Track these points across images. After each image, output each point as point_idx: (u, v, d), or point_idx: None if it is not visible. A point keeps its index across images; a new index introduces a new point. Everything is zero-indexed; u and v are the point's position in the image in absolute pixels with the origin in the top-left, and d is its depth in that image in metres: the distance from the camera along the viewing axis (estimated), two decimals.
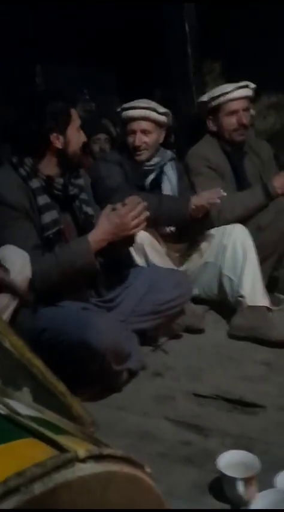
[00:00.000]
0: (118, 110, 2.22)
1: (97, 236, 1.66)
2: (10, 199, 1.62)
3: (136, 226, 1.68)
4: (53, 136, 1.66)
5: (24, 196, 1.64)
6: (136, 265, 2.02)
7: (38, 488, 0.51)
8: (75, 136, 1.70)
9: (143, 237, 2.01)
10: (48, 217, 1.66)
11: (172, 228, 2.22)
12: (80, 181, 1.77)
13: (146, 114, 2.15)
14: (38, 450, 0.59)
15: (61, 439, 0.61)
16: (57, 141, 1.67)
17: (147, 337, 1.91)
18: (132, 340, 1.76)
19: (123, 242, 1.73)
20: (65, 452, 0.58)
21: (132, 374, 1.72)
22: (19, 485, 0.50)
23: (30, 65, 3.09)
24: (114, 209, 1.68)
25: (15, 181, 1.66)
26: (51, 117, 1.65)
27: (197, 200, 2.02)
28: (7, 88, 2.73)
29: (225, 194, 2.00)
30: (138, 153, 2.17)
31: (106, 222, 1.66)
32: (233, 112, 2.25)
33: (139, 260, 2.04)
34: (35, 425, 0.65)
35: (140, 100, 2.21)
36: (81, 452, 0.57)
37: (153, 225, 2.05)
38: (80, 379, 1.40)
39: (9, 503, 0.49)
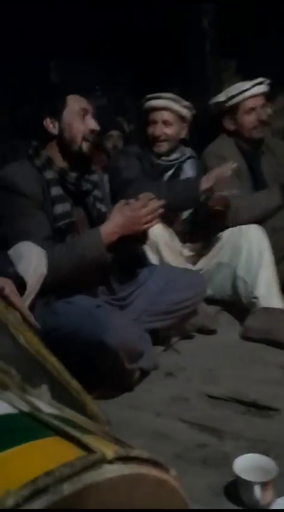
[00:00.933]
0: (142, 101, 2.21)
1: (109, 228, 1.65)
2: (24, 188, 1.62)
3: (149, 221, 1.67)
4: (47, 121, 1.66)
5: (38, 187, 1.64)
6: (151, 264, 2.01)
7: (67, 488, 0.50)
8: (73, 122, 1.67)
9: (158, 235, 2.00)
10: (60, 208, 1.65)
11: (187, 228, 2.20)
12: (94, 178, 1.76)
13: (168, 105, 2.16)
14: (64, 449, 0.58)
15: (86, 439, 0.60)
16: (52, 126, 1.67)
17: (159, 337, 1.90)
18: (144, 339, 1.74)
19: (135, 238, 1.72)
20: (92, 452, 0.57)
21: (144, 373, 1.71)
22: (48, 485, 0.49)
23: (45, 61, 3.08)
24: (127, 203, 1.67)
25: (30, 172, 1.66)
26: (41, 101, 1.66)
27: (206, 179, 1.97)
28: (22, 84, 2.73)
29: (235, 165, 1.96)
30: (158, 143, 2.17)
31: (119, 215, 1.65)
32: (252, 109, 2.23)
33: (153, 259, 2.03)
34: (58, 424, 0.63)
35: (163, 93, 2.21)
36: (109, 453, 0.56)
37: (166, 210, 2.02)
38: (92, 377, 1.39)
39: (39, 503, 0.48)
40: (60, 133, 1.68)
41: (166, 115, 2.15)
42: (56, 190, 1.66)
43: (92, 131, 1.70)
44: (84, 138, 1.69)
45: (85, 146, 1.70)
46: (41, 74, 3.06)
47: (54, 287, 1.60)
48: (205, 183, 1.97)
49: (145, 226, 1.68)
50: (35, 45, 2.84)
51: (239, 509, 1.02)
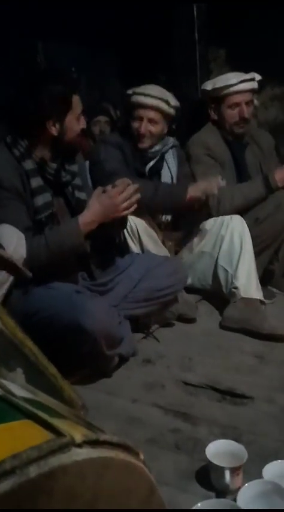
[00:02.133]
0: (129, 92, 2.16)
1: (87, 218, 1.64)
2: (2, 179, 1.59)
3: (127, 208, 1.67)
4: (49, 123, 1.61)
5: (17, 177, 1.61)
6: (132, 252, 2.01)
7: (33, 471, 0.50)
8: (73, 125, 1.65)
9: (138, 224, 2.00)
10: (40, 199, 1.64)
11: (168, 217, 2.21)
12: (74, 168, 1.74)
13: (157, 105, 2.10)
14: (33, 433, 0.58)
15: (56, 423, 0.60)
16: (53, 128, 1.62)
17: (139, 324, 1.91)
18: (124, 325, 1.75)
19: (115, 224, 1.72)
20: (61, 436, 0.57)
21: (123, 360, 1.72)
22: (15, 467, 0.49)
23: (32, 42, 3.01)
24: (104, 191, 1.67)
25: (8, 162, 1.62)
26: (50, 103, 1.59)
27: (193, 190, 2.00)
28: (7, 65, 2.66)
29: (224, 183, 1.99)
30: (143, 140, 2.14)
31: (97, 203, 1.65)
32: (236, 105, 2.22)
33: (134, 247, 2.03)
34: (30, 407, 0.64)
35: (153, 87, 2.15)
36: (78, 436, 0.56)
37: (148, 213, 2.03)
38: (70, 362, 1.39)
39: (5, 485, 0.48)
40: (60, 135, 1.64)
41: (152, 114, 2.10)
42: (35, 182, 1.63)
43: (83, 130, 1.72)
44: (78, 137, 1.71)
45: (76, 143, 1.71)
46: (27, 56, 2.99)
47: (33, 276, 1.59)
48: (192, 193, 1.99)
49: (124, 213, 1.68)
50: (19, 27, 2.76)
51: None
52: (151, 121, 2.11)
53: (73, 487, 0.55)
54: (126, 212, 1.69)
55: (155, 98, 2.11)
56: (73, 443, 0.55)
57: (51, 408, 0.70)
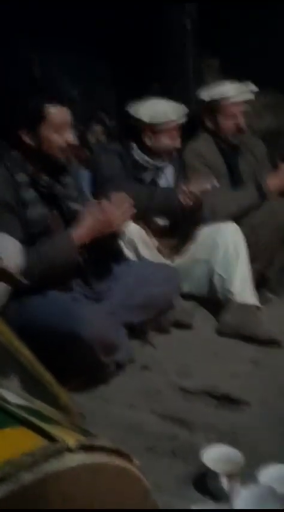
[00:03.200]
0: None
1: (80, 232, 1.64)
2: None
3: (120, 223, 1.67)
4: (22, 132, 1.61)
5: (10, 190, 1.61)
6: (127, 259, 2.02)
7: (27, 477, 0.51)
8: (51, 137, 1.62)
9: (134, 231, 2.01)
10: (33, 212, 1.63)
11: (165, 223, 2.22)
12: (68, 180, 1.74)
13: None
14: (27, 439, 0.59)
15: (50, 429, 0.61)
16: (27, 138, 1.62)
17: (135, 331, 1.91)
18: (120, 332, 1.75)
19: (107, 237, 1.71)
20: (55, 442, 0.58)
21: (120, 367, 1.72)
22: (8, 474, 0.50)
23: (27, 53, 3.04)
24: (99, 204, 1.67)
25: (0, 175, 1.62)
26: (20, 112, 1.60)
27: (187, 187, 2.00)
28: (2, 77, 2.69)
29: (217, 185, 1.99)
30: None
31: (90, 218, 1.65)
32: (232, 115, 2.24)
33: (129, 254, 2.03)
34: (24, 414, 0.64)
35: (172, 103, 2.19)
36: (71, 442, 0.57)
37: (143, 216, 2.04)
38: (67, 369, 1.39)
39: None
40: (37, 145, 1.63)
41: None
42: (28, 194, 1.63)
43: (70, 145, 1.65)
44: (62, 151, 1.65)
45: (62, 157, 1.66)
46: (22, 67, 3.02)
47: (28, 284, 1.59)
48: (185, 195, 1.98)
49: (116, 228, 1.68)
50: (15, 38, 2.79)
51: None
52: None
53: (67, 492, 0.55)
54: (119, 228, 1.69)
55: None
56: (66, 449, 0.56)
57: (45, 415, 0.70)
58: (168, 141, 2.12)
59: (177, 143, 2.15)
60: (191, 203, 1.99)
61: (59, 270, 1.63)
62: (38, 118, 1.61)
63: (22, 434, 0.60)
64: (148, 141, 2.11)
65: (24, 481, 0.51)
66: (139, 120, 2.10)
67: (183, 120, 2.15)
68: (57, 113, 1.63)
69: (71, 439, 0.58)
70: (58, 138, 1.63)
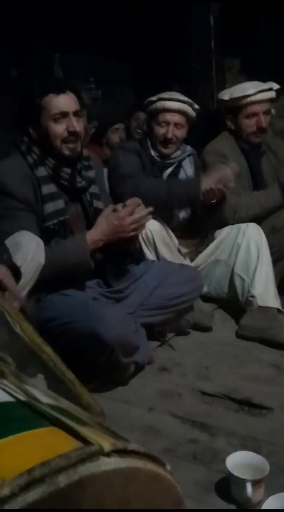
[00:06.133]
0: (153, 99, 2.18)
1: (94, 235, 1.63)
2: (12, 188, 1.59)
3: (135, 229, 1.66)
4: (29, 126, 1.64)
5: (29, 186, 1.61)
6: (147, 259, 2.00)
7: (62, 480, 0.49)
8: (51, 127, 1.60)
9: (154, 231, 1.99)
10: (51, 207, 1.63)
11: (184, 214, 2.19)
12: (90, 174, 1.73)
13: (183, 108, 2.14)
14: (60, 440, 0.57)
15: (83, 430, 0.59)
16: (33, 132, 1.64)
17: (154, 332, 1.90)
18: (140, 333, 1.74)
19: (121, 243, 1.70)
20: (89, 444, 0.56)
21: (139, 368, 1.71)
22: (45, 475, 0.48)
23: (49, 53, 3.05)
24: (115, 210, 1.65)
25: (21, 170, 1.62)
26: (22, 108, 1.62)
27: (208, 180, 1.96)
28: (27, 76, 2.70)
29: (238, 168, 1.96)
30: (169, 145, 2.16)
31: (105, 223, 1.64)
32: (253, 115, 2.21)
33: (149, 255, 2.02)
34: (55, 414, 0.63)
35: (174, 93, 2.19)
36: (106, 445, 0.55)
37: (164, 209, 2.02)
38: (86, 370, 1.38)
39: (34, 493, 0.47)
40: (40, 138, 1.63)
41: (178, 118, 2.14)
42: (47, 189, 1.62)
43: (73, 133, 1.61)
44: (64, 141, 1.62)
45: (65, 149, 1.62)
46: (45, 67, 3.03)
47: (44, 284, 1.58)
48: (207, 182, 1.96)
49: (131, 234, 1.67)
50: (36, 38, 2.80)
51: (233, 510, 1.02)
52: (177, 125, 2.14)
53: (101, 497, 0.53)
54: (133, 233, 1.67)
55: (181, 102, 2.14)
56: (101, 452, 0.54)
57: (75, 415, 0.69)
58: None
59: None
60: (215, 198, 1.96)
61: (71, 271, 1.62)
62: (36, 109, 1.61)
63: (55, 435, 0.58)
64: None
65: (60, 484, 0.49)
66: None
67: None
68: (53, 102, 1.61)
69: (104, 441, 0.56)
70: (57, 127, 1.61)
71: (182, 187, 2.02)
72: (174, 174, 2.21)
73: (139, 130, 2.72)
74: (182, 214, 2.18)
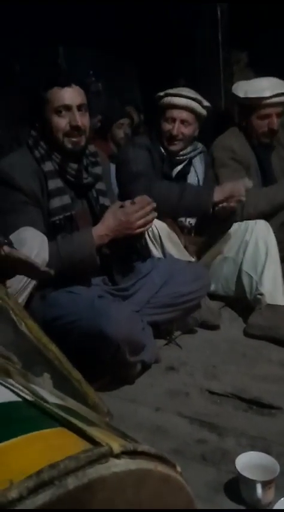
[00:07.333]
0: (160, 94, 2.14)
1: (100, 231, 1.62)
2: (19, 182, 1.58)
3: (142, 226, 1.64)
4: (35, 120, 1.64)
5: (36, 181, 1.60)
6: (153, 257, 1.98)
7: (71, 482, 0.48)
8: (53, 120, 1.59)
9: (161, 228, 1.97)
10: (57, 202, 1.62)
11: (192, 221, 2.18)
12: (97, 170, 1.71)
13: (191, 105, 2.10)
14: (69, 441, 0.56)
15: (92, 431, 0.58)
16: (38, 126, 1.64)
17: (161, 331, 1.88)
18: (146, 332, 1.72)
19: (129, 239, 1.68)
20: (98, 445, 0.54)
21: (145, 367, 1.69)
22: (53, 478, 0.47)
23: (54, 47, 3.04)
24: (122, 206, 1.64)
25: (28, 164, 1.62)
26: (30, 104, 1.62)
27: (219, 193, 1.96)
28: (31, 70, 2.69)
29: (251, 184, 1.94)
30: (175, 142, 2.12)
31: (112, 219, 1.63)
32: (266, 116, 2.15)
33: (156, 252, 2.00)
34: (63, 414, 0.61)
35: (183, 88, 2.15)
36: (116, 447, 0.53)
37: (172, 216, 2.00)
38: (92, 369, 1.36)
39: (43, 496, 0.45)
40: (44, 131, 1.63)
41: (185, 115, 2.10)
42: (53, 183, 1.61)
43: (75, 127, 1.60)
44: (66, 135, 1.60)
45: (68, 142, 1.61)
46: (49, 61, 3.02)
47: (49, 280, 1.56)
48: (219, 195, 1.94)
49: (138, 231, 1.65)
50: (41, 34, 2.79)
51: (241, 509, 1.00)
52: (183, 122, 2.11)
53: (111, 499, 0.52)
54: (140, 230, 1.65)
55: (188, 98, 2.10)
56: (111, 454, 0.52)
57: (83, 415, 0.67)
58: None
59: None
60: (226, 215, 1.95)
61: (78, 267, 1.61)
62: (41, 102, 1.61)
63: (63, 436, 0.57)
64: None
65: (68, 486, 0.47)
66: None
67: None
68: (57, 94, 1.59)
69: (114, 443, 0.54)
70: (59, 121, 1.60)
71: (194, 196, 2.00)
72: (184, 171, 2.18)
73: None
74: (189, 221, 2.16)
